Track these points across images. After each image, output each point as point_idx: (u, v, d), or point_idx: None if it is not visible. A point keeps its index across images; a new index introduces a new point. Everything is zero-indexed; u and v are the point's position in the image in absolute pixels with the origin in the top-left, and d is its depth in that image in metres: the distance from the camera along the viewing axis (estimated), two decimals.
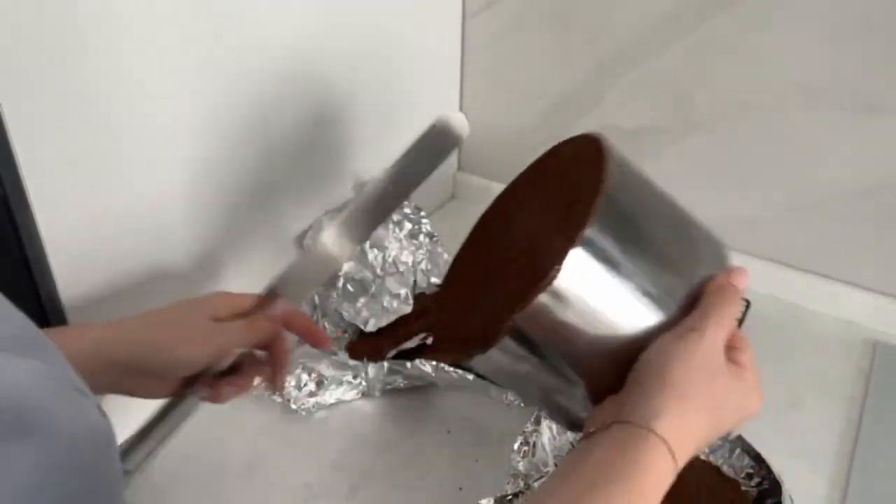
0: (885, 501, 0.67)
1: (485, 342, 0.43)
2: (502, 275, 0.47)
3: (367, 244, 0.82)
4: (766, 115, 0.85)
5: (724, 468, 0.62)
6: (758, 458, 0.61)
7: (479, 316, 0.47)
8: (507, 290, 0.44)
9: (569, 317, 0.42)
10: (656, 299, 0.44)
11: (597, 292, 0.42)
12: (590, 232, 0.41)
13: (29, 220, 0.55)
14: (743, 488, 0.60)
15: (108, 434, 0.30)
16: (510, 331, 0.42)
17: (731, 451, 0.62)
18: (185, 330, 0.54)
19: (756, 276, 0.92)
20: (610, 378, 0.43)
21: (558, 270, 0.41)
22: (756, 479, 0.61)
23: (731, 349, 0.45)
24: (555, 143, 0.60)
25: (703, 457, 0.63)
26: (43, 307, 0.59)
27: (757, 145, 0.87)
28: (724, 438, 0.62)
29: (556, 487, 0.41)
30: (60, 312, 0.59)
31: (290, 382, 0.73)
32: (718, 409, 0.42)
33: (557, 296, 0.41)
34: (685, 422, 0.41)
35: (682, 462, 0.40)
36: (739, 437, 0.62)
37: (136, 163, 0.62)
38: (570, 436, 0.63)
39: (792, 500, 0.58)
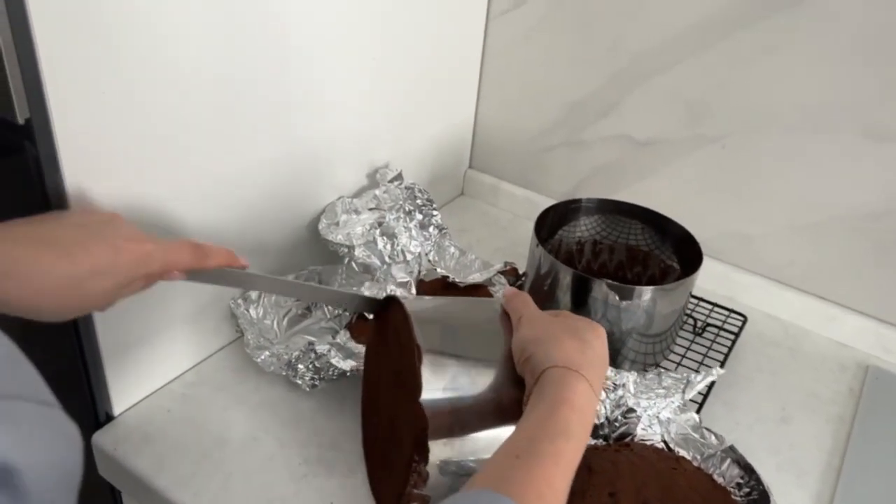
0: None
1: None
2: (389, 447, 0.61)
3: (378, 231, 0.84)
4: (777, 134, 0.87)
5: (716, 477, 0.63)
6: (748, 469, 0.62)
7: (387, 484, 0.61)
8: (396, 469, 0.58)
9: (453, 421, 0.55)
10: (486, 361, 0.58)
11: (458, 411, 0.55)
12: (424, 402, 0.54)
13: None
14: (733, 497, 0.61)
15: (76, 439, 0.35)
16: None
17: (723, 460, 0.63)
18: (35, 285, 0.45)
19: (754, 293, 0.95)
20: (513, 388, 0.56)
21: (423, 462, 0.54)
22: (745, 490, 0.62)
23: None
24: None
25: (696, 464, 0.64)
26: None
27: (765, 163, 0.89)
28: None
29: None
30: None
31: (294, 356, 0.73)
32: (569, 331, 0.56)
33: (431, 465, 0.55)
34: (560, 350, 0.54)
35: (585, 370, 0.52)
36: (731, 448, 0.64)
37: (159, 141, 0.62)
38: None
39: None
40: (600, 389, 0.54)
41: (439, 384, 0.55)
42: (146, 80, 0.59)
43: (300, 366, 0.73)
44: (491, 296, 0.86)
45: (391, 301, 0.62)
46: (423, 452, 0.54)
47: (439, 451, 0.54)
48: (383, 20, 0.84)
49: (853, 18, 0.78)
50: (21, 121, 0.51)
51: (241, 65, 0.68)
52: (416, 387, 0.54)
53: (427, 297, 0.71)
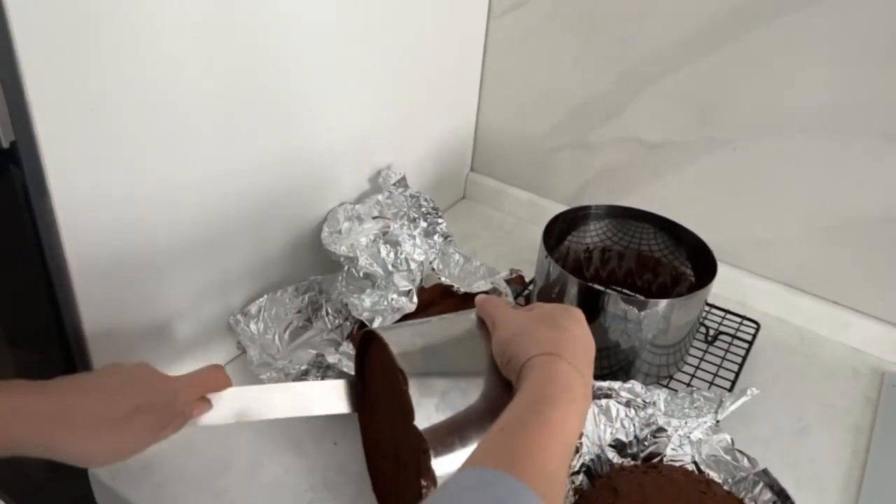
0: None
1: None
2: (399, 479, 0.61)
3: (382, 240, 0.81)
4: (789, 137, 0.85)
5: (748, 502, 0.61)
6: (782, 494, 0.60)
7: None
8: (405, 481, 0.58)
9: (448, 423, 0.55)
10: (473, 373, 0.57)
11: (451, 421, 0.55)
12: (416, 419, 0.54)
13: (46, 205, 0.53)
14: None
15: None
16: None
17: (755, 484, 0.61)
18: (84, 429, 0.49)
19: (767, 299, 0.92)
20: (504, 392, 0.56)
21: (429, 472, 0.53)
22: None
23: None
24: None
25: (726, 487, 0.62)
26: (54, 292, 0.57)
27: (777, 166, 0.87)
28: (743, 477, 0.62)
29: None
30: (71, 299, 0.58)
31: (302, 369, 0.71)
32: (543, 321, 0.55)
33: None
34: (535, 342, 0.53)
35: (566, 354, 0.51)
36: (765, 471, 0.61)
37: (155, 148, 0.60)
38: None
39: None
40: (588, 370, 0.52)
41: (431, 404, 0.55)
42: (138, 92, 0.56)
43: (310, 378, 0.71)
44: None
45: (368, 336, 0.62)
46: (430, 475, 0.53)
47: (447, 467, 0.53)
48: (382, 21, 0.81)
49: (866, 18, 0.76)
50: (6, 144, 0.48)
51: (238, 70, 0.65)
52: (409, 411, 0.54)
53: (404, 323, 0.70)
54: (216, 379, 0.58)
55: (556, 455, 0.44)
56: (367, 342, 0.63)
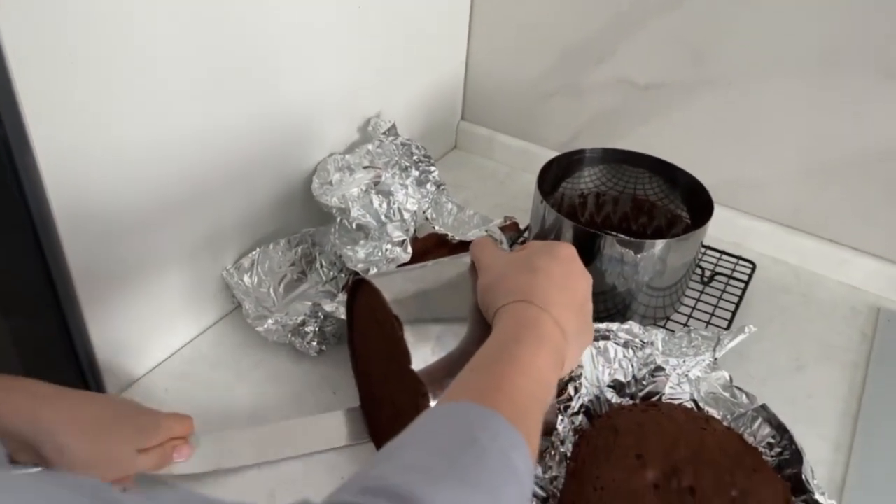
0: (889, 465, 0.67)
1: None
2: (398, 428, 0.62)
3: (374, 191, 0.80)
4: (784, 75, 0.83)
5: (747, 436, 0.61)
6: (780, 428, 0.60)
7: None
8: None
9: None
10: (466, 317, 0.57)
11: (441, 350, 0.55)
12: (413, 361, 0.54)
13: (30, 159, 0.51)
14: (764, 458, 0.59)
15: None
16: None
17: (754, 419, 0.61)
18: (72, 452, 0.51)
19: (763, 240, 0.92)
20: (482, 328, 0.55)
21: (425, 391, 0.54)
22: (777, 449, 0.60)
23: None
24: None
25: (726, 424, 0.62)
26: (41, 246, 0.56)
27: (772, 105, 0.85)
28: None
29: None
30: (58, 247, 0.57)
31: (300, 320, 0.71)
32: (519, 265, 0.54)
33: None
34: (506, 290, 0.52)
35: (539, 301, 0.50)
36: (763, 407, 0.62)
37: (137, 103, 0.58)
38: None
39: (812, 471, 0.57)
40: (566, 309, 0.51)
41: (427, 348, 0.55)
42: (118, 47, 0.55)
43: (307, 329, 0.71)
44: None
45: (359, 283, 0.62)
46: None
47: None
48: None
49: None
50: None
51: (218, 21, 0.63)
52: (406, 357, 0.54)
53: (395, 268, 0.70)
54: (191, 423, 0.60)
55: (524, 390, 0.44)
56: (356, 290, 0.62)
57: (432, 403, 0.53)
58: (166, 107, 0.61)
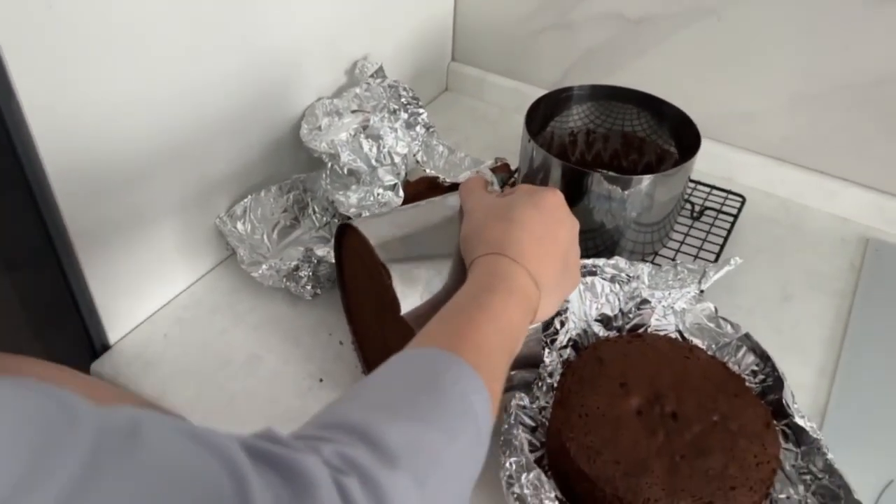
0: (870, 390, 0.69)
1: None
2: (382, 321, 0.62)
3: (363, 135, 0.80)
4: (773, 3, 0.82)
5: (731, 365, 0.63)
6: (763, 356, 0.62)
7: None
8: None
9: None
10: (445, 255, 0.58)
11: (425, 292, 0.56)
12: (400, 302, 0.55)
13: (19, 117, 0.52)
14: (747, 384, 0.61)
15: None
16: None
17: (738, 348, 0.63)
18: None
19: (754, 173, 0.92)
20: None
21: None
22: (760, 376, 0.62)
23: None
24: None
25: (710, 353, 0.63)
26: (36, 202, 0.57)
27: (762, 35, 0.85)
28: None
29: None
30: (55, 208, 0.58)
31: (293, 265, 0.72)
32: (498, 213, 0.53)
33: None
34: (482, 241, 0.52)
35: (513, 253, 0.50)
36: (747, 336, 0.63)
37: (120, 51, 0.58)
38: None
39: (793, 395, 0.59)
40: (544, 260, 0.50)
41: (416, 293, 0.55)
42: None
43: (301, 273, 0.72)
44: None
45: (345, 229, 0.62)
46: None
47: None
48: None
49: None
50: None
51: None
52: (395, 303, 0.54)
53: (382, 212, 0.69)
54: None
55: (490, 339, 0.44)
56: (344, 234, 0.63)
57: None
58: (151, 62, 0.61)
